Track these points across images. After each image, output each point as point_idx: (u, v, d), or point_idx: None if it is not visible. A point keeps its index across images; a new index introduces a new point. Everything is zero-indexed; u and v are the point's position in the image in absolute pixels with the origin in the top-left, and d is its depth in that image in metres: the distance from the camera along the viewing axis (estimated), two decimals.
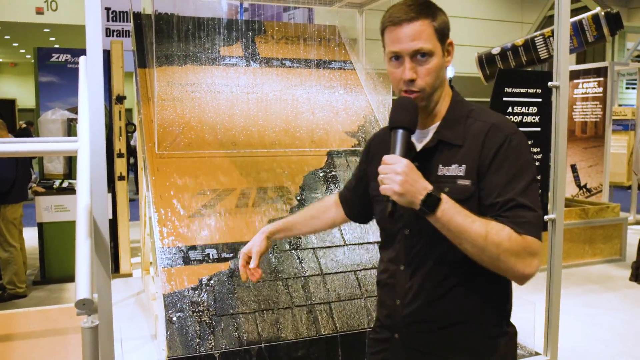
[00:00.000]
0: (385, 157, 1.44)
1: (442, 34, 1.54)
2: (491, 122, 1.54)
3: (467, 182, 1.49)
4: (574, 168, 8.36)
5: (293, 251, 3.24)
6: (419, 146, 1.59)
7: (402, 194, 1.39)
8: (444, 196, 1.41)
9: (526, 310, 4.57)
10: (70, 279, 5.63)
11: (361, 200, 1.85)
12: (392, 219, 1.53)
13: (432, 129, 1.58)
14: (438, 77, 1.54)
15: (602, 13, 6.43)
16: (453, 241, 1.43)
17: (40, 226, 5.67)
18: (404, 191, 1.39)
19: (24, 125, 14.03)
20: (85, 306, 1.63)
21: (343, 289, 3.17)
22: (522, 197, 1.45)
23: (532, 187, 1.48)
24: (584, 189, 8.27)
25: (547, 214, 3.10)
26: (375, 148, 1.77)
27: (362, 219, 1.94)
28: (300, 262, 3.21)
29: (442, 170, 1.52)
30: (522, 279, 1.44)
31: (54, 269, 5.74)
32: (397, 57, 1.53)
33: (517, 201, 1.44)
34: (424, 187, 1.40)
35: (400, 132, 1.49)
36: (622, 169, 9.25)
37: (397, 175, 1.39)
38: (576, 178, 8.36)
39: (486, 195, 1.48)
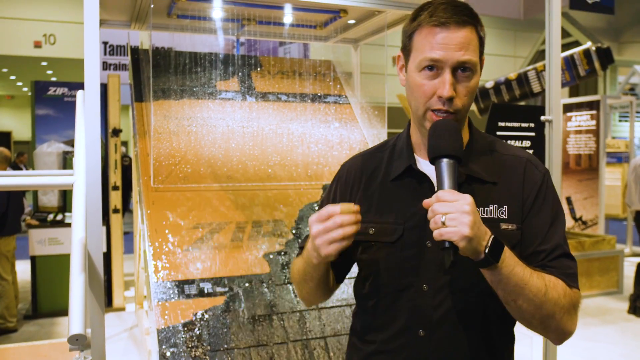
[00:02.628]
0: (441, 194, 1.15)
1: (483, 47, 1.31)
2: (524, 157, 1.36)
3: (512, 227, 1.28)
4: (569, 200, 8.39)
5: (289, 285, 3.22)
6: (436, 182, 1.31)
7: (472, 239, 1.11)
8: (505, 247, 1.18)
9: (523, 344, 4.53)
10: (62, 313, 5.57)
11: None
12: (411, 273, 1.29)
13: None
14: (473, 100, 1.30)
15: (593, 48, 6.55)
16: (506, 298, 1.20)
17: (33, 259, 5.63)
18: (473, 235, 1.11)
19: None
20: (78, 341, 1.61)
21: (339, 324, 3.14)
22: (565, 244, 1.29)
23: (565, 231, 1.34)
24: (580, 221, 8.28)
25: None
26: (357, 181, 1.45)
27: (340, 278, 1.51)
28: (296, 296, 3.18)
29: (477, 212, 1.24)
30: (565, 338, 1.27)
31: (45, 303, 5.68)
32: (433, 66, 1.25)
33: (563, 249, 1.28)
34: (485, 230, 1.15)
35: (446, 162, 1.20)
36: (617, 201, 9.29)
37: (465, 216, 1.10)
38: (571, 210, 8.38)
39: (529, 241, 1.29)
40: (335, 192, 1.50)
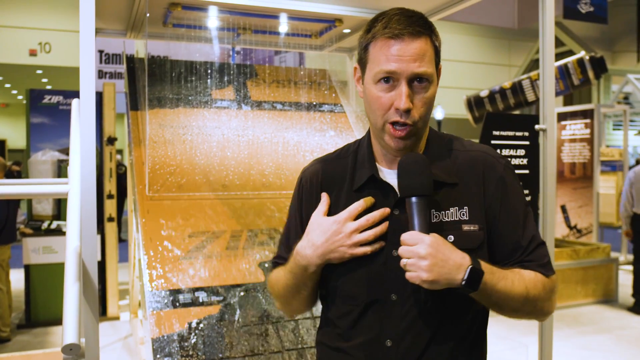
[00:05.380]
0: (404, 237, 1.17)
1: (439, 57, 1.29)
2: (480, 150, 1.35)
3: (474, 227, 1.27)
4: (563, 209, 8.41)
5: None
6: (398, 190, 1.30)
7: (434, 281, 1.14)
8: (483, 264, 1.18)
9: (519, 352, 4.53)
10: (56, 322, 5.54)
11: None
12: (380, 285, 1.28)
13: None
14: (431, 110, 1.28)
15: (587, 57, 6.60)
16: (489, 306, 1.27)
17: (27, 268, 5.60)
18: (434, 277, 1.14)
19: (18, 168, 13.69)
20: (72, 351, 1.60)
21: None
22: (537, 232, 1.32)
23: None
24: (574, 230, 8.31)
25: None
26: (326, 185, 1.42)
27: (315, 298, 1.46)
28: None
29: (438, 216, 1.27)
30: (545, 318, 1.34)
31: (39, 312, 5.64)
32: (389, 79, 1.23)
33: (537, 240, 1.30)
34: (460, 262, 1.15)
35: (415, 201, 1.20)
36: (612, 209, 9.32)
37: (421, 261, 1.13)
38: (566, 219, 8.40)
39: (508, 239, 1.29)
40: (300, 200, 1.47)
